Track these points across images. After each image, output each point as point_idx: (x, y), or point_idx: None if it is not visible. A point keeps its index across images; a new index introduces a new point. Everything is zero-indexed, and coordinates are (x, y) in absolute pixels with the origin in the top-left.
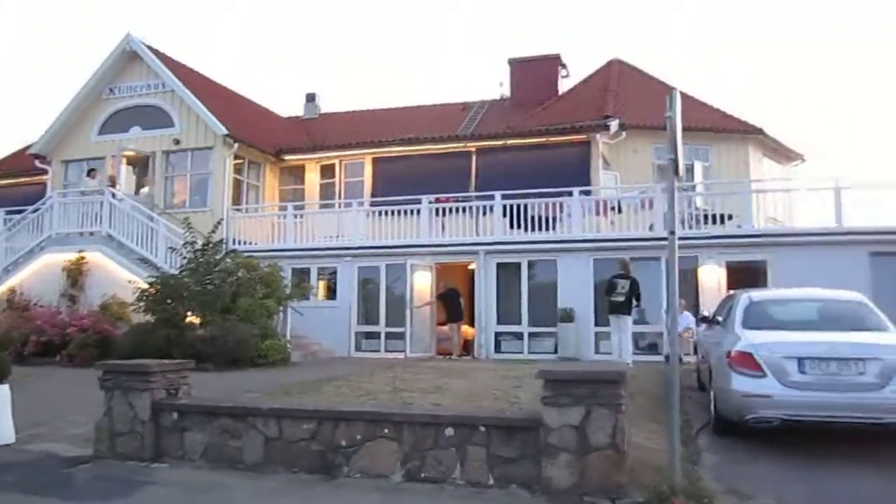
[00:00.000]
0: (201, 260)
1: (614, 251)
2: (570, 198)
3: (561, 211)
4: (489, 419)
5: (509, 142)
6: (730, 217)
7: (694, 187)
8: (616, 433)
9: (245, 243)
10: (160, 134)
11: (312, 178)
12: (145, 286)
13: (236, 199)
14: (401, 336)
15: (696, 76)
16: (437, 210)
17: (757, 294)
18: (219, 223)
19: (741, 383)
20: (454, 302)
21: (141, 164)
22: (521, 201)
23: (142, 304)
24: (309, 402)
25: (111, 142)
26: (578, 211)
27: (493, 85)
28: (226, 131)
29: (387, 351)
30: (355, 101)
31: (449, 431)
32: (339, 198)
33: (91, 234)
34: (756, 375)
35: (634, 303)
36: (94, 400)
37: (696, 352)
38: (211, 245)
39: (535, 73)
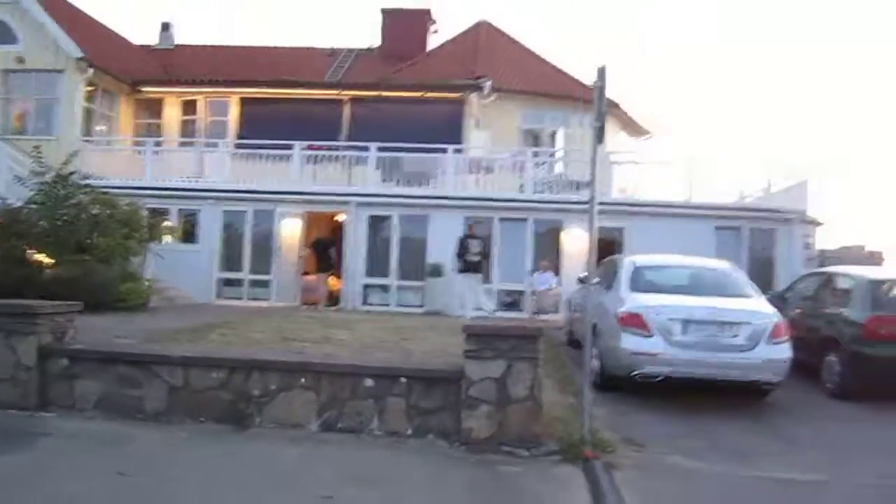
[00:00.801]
0: (52, 193)
1: (485, 210)
2: (445, 155)
3: (436, 168)
4: (411, 371)
5: (384, 94)
6: (585, 185)
7: (555, 154)
8: (534, 386)
9: (97, 178)
10: (1, 50)
11: (172, 114)
12: None
13: (87, 130)
14: (266, 284)
15: (557, 45)
16: (309, 157)
17: (641, 259)
18: (74, 154)
19: (630, 342)
20: (326, 252)
21: None
22: (396, 155)
23: None
24: (218, 351)
25: None
26: (452, 168)
27: (359, 32)
28: (81, 54)
29: (250, 299)
30: (212, 35)
31: (369, 382)
32: (202, 136)
33: None
34: (644, 335)
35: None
36: None
37: (567, 310)
38: (63, 177)
39: (405, 25)
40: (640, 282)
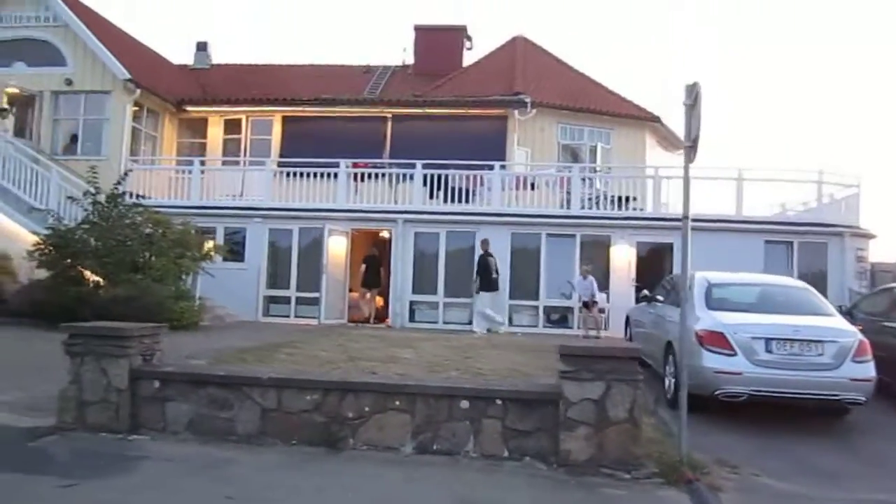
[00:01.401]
0: (105, 213)
1: (531, 226)
2: (491, 171)
3: (481, 184)
4: (507, 392)
5: (427, 111)
6: (634, 199)
7: (608, 169)
8: (634, 408)
9: (143, 197)
10: (49, 72)
11: (216, 133)
12: (39, 240)
13: (133, 150)
14: (313, 301)
15: (593, 59)
16: (354, 175)
17: (713, 276)
18: (126, 173)
19: (713, 360)
20: (377, 268)
21: (22, 104)
22: (442, 171)
23: (43, 258)
24: (311, 373)
25: None
26: (498, 184)
27: (388, 49)
28: (128, 75)
29: (297, 316)
30: (244, 54)
31: (464, 404)
32: (245, 155)
33: None
34: (727, 353)
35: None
36: (20, 364)
37: (626, 326)
38: (115, 197)
39: (439, 42)
40: (715, 299)
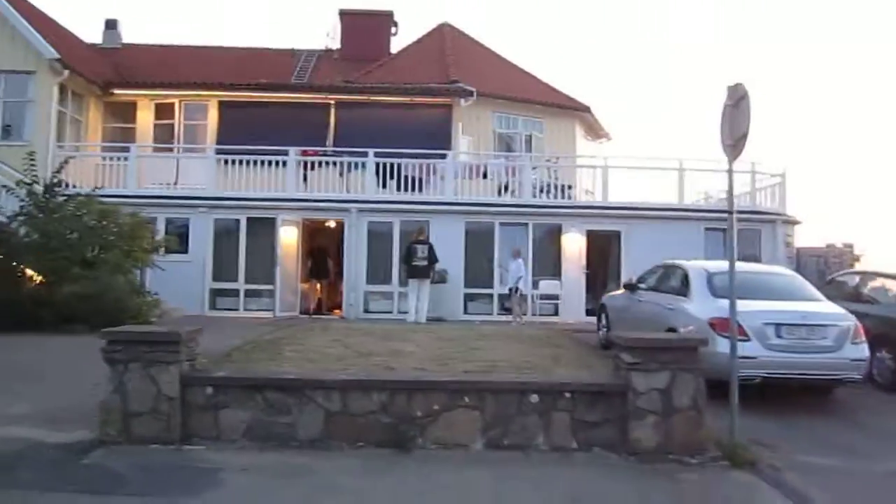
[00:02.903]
0: (43, 204)
1: (485, 215)
2: (444, 160)
3: (434, 173)
4: (576, 385)
5: (372, 98)
6: (570, 187)
7: (556, 159)
8: (697, 395)
9: (73, 186)
10: None
11: (145, 118)
12: None
13: (59, 135)
14: (263, 294)
15: (512, 46)
16: (303, 163)
17: (711, 266)
18: (66, 161)
19: (728, 346)
20: (324, 259)
21: None
22: (394, 160)
23: None
24: (377, 373)
25: None
26: (451, 173)
27: (300, 32)
28: (56, 55)
29: (246, 310)
30: (153, 34)
31: (534, 398)
32: (178, 141)
33: None
34: (741, 339)
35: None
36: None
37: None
38: (54, 187)
39: (366, 27)
40: (718, 288)
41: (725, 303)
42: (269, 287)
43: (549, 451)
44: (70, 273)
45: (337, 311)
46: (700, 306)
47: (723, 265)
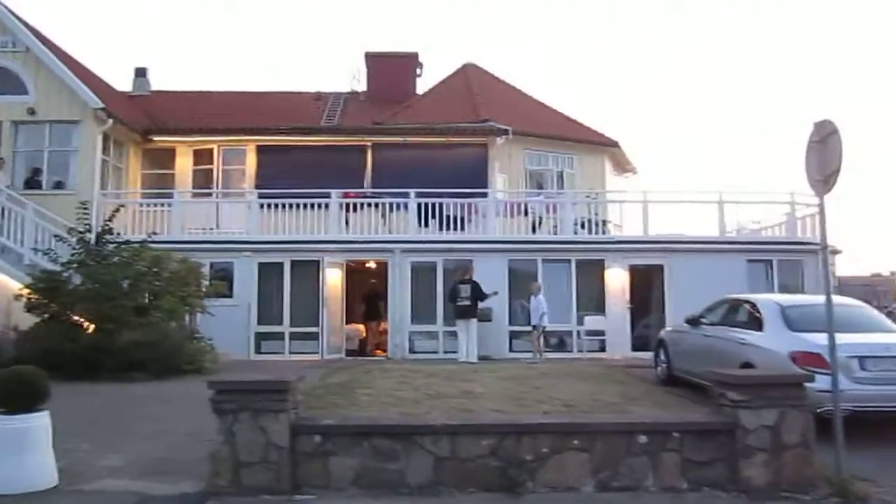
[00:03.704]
0: (95, 252)
1: (528, 252)
2: (485, 199)
3: (476, 212)
4: (683, 425)
5: (409, 139)
6: (605, 223)
7: (596, 195)
8: (806, 432)
9: (118, 234)
10: (8, 101)
11: (184, 163)
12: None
13: (103, 183)
14: (308, 336)
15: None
16: (343, 205)
17: (783, 299)
18: (117, 210)
19: (815, 381)
20: (378, 301)
21: None
22: (435, 200)
23: (36, 304)
24: (484, 417)
25: None
26: (493, 212)
27: (328, 75)
28: (100, 104)
29: (292, 353)
30: (183, 79)
31: (643, 439)
32: (217, 186)
33: None
34: (826, 373)
35: (479, 303)
36: (76, 421)
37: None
38: (105, 234)
39: (392, 69)
40: (795, 322)
41: (806, 336)
42: (315, 329)
43: (658, 491)
44: (127, 320)
45: (379, 351)
46: (777, 340)
47: (795, 298)
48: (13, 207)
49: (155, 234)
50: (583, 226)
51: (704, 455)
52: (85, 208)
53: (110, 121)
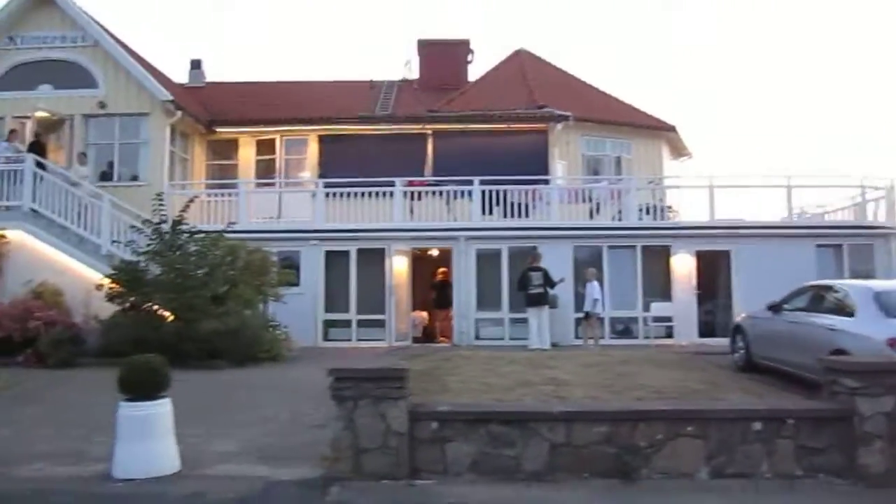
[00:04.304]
0: (170, 242)
1: (592, 239)
2: (549, 186)
3: (540, 198)
4: (798, 412)
5: (469, 126)
6: (667, 209)
7: (660, 181)
8: None
9: (187, 223)
10: (79, 95)
11: (247, 154)
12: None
13: (171, 174)
14: (375, 324)
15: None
16: (407, 193)
17: (875, 285)
18: (192, 200)
19: None
20: (448, 288)
21: (50, 128)
22: (499, 187)
23: (116, 293)
24: (599, 404)
25: (11, 100)
26: (556, 198)
27: (373, 63)
28: (169, 96)
29: (359, 340)
30: (231, 70)
31: (757, 426)
32: (280, 176)
33: (7, 209)
34: None
35: (549, 290)
36: (178, 408)
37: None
38: (179, 224)
39: (444, 56)
40: (889, 307)
41: None
42: (381, 317)
43: (774, 478)
44: (207, 309)
45: (444, 338)
46: (872, 326)
47: (887, 284)
48: (91, 199)
49: (233, 223)
50: (647, 212)
51: (820, 442)
52: (161, 200)
53: (179, 113)
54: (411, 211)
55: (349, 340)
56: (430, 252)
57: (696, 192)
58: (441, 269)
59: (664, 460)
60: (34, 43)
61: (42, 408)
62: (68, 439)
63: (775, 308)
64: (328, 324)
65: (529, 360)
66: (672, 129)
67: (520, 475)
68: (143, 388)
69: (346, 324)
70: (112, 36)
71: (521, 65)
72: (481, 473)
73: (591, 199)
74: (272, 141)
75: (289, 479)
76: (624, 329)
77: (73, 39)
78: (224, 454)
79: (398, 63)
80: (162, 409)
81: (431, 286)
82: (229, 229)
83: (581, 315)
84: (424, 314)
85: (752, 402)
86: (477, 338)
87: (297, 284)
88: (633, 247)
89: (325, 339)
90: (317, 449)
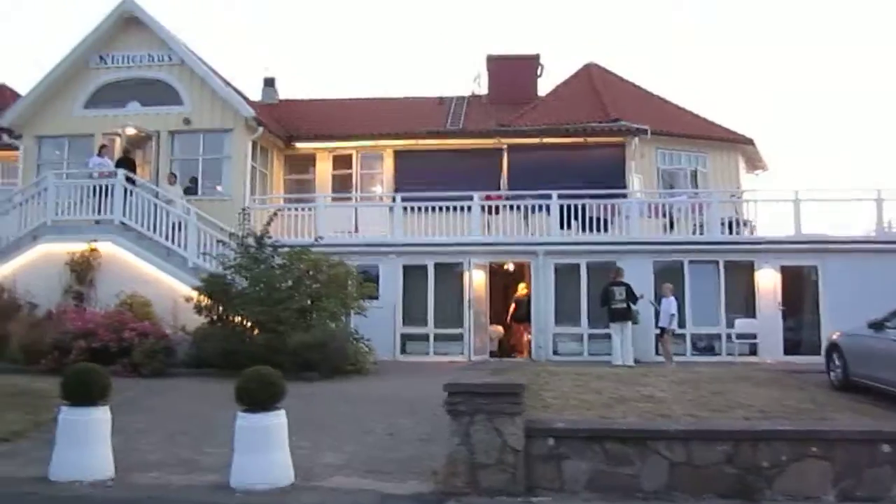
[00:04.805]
0: (255, 256)
1: (673, 254)
2: (628, 200)
3: (619, 213)
4: None
5: (544, 140)
6: (745, 223)
7: (742, 194)
8: None
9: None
10: (165, 111)
11: (324, 168)
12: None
13: (252, 189)
14: (452, 338)
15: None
16: (484, 207)
17: None
18: (275, 214)
19: None
20: (528, 303)
21: (135, 144)
22: (578, 201)
23: (206, 306)
24: (720, 423)
25: (101, 117)
26: (636, 212)
27: (447, 78)
28: (253, 113)
29: (436, 354)
30: (306, 88)
31: (886, 448)
32: (356, 190)
33: (97, 222)
34: None
35: (632, 305)
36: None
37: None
38: (262, 237)
39: (513, 71)
40: None
41: None
42: (459, 330)
43: None
44: (294, 322)
45: (520, 353)
46: None
47: None
48: (178, 213)
49: (320, 238)
50: (730, 227)
51: None
52: (247, 215)
53: (261, 129)
54: (486, 225)
55: (426, 354)
56: (505, 266)
57: (777, 205)
58: (522, 284)
59: (788, 482)
60: (123, 62)
61: (144, 416)
62: (176, 447)
63: (877, 326)
64: (406, 337)
65: (618, 376)
66: (750, 141)
67: (638, 494)
68: (260, 399)
69: (424, 337)
70: (195, 55)
71: (591, 78)
72: (598, 491)
73: (669, 214)
74: (349, 156)
75: (403, 494)
76: (706, 346)
77: (160, 58)
78: (332, 466)
79: (461, 79)
80: (278, 421)
81: (514, 301)
82: (316, 243)
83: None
84: (500, 328)
85: (870, 423)
86: (555, 353)
87: (375, 297)
88: (716, 262)
89: (403, 352)
90: (422, 463)
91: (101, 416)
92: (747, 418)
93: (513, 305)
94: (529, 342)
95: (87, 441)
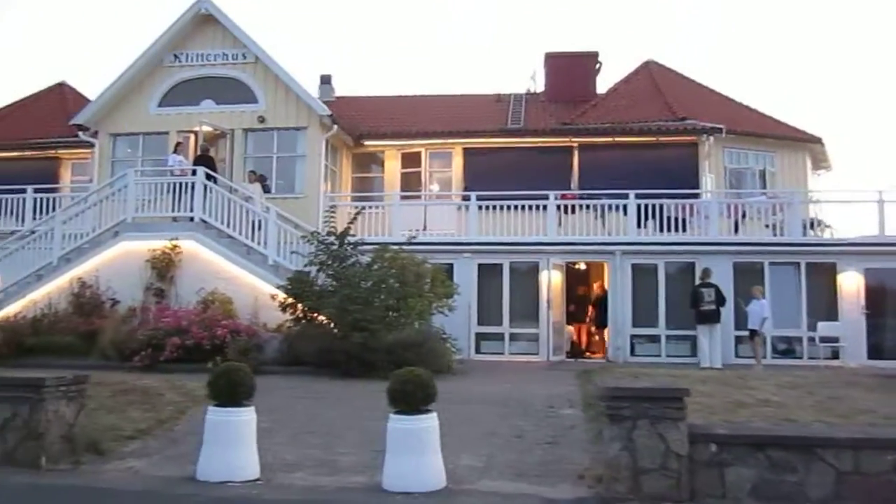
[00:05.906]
0: (338, 254)
1: (753, 255)
2: (706, 199)
3: (698, 213)
4: None
5: (617, 139)
6: (824, 225)
7: (820, 196)
8: None
9: (415, 237)
10: (240, 110)
11: (393, 167)
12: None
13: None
14: (527, 337)
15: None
16: (560, 206)
17: None
18: (360, 211)
19: None
20: (605, 304)
21: (209, 143)
22: (655, 201)
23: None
24: (884, 430)
25: (175, 115)
26: (716, 212)
27: (503, 75)
28: (328, 111)
29: (511, 353)
30: (361, 85)
31: None
32: (425, 188)
33: (174, 219)
34: None
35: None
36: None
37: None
38: (344, 236)
39: (572, 68)
40: None
41: None
42: (534, 330)
43: None
44: (388, 321)
45: (595, 354)
46: None
47: None
48: (258, 211)
49: (413, 237)
50: (812, 227)
51: None
52: (333, 213)
53: (335, 127)
54: (560, 224)
55: (501, 354)
56: (577, 266)
57: (851, 206)
58: (598, 284)
59: None
60: (197, 60)
61: (264, 416)
62: (307, 447)
63: None
64: (481, 336)
65: (718, 380)
66: (818, 140)
67: (804, 503)
68: (413, 400)
69: (499, 337)
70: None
71: (652, 76)
72: (762, 499)
73: (745, 214)
74: (418, 154)
75: (565, 498)
76: (786, 349)
77: (235, 56)
78: (475, 469)
79: (507, 76)
80: (432, 423)
81: (593, 302)
82: (412, 242)
83: (745, 333)
84: (571, 328)
85: None
86: (632, 354)
87: (457, 296)
88: (797, 263)
89: (477, 351)
90: (562, 466)
91: (247, 417)
92: (873, 424)
93: (590, 307)
94: (604, 343)
95: (235, 442)
